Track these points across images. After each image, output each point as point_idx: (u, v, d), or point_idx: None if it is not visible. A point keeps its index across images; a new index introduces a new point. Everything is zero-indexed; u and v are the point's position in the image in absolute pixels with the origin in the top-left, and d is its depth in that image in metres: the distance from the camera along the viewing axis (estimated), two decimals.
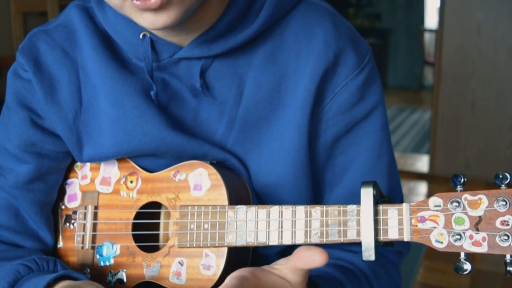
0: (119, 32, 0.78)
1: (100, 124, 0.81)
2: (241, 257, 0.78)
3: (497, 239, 0.61)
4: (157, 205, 0.83)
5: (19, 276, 0.75)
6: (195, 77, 0.78)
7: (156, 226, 0.86)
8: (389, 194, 0.86)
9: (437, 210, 0.65)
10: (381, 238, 0.67)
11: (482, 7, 3.67)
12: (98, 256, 0.82)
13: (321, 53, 0.78)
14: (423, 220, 0.65)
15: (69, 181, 0.88)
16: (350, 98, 0.80)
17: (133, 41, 0.78)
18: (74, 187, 0.87)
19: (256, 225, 0.72)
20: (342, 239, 0.69)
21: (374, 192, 0.68)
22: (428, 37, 7.13)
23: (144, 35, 0.77)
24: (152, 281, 0.78)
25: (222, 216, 0.73)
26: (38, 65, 0.80)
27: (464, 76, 3.79)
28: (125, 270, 0.81)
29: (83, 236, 0.85)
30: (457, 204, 0.63)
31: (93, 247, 0.84)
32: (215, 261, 0.75)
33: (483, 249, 0.62)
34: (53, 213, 0.88)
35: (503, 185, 0.62)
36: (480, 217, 0.62)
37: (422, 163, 4.38)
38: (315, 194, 0.85)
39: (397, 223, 0.67)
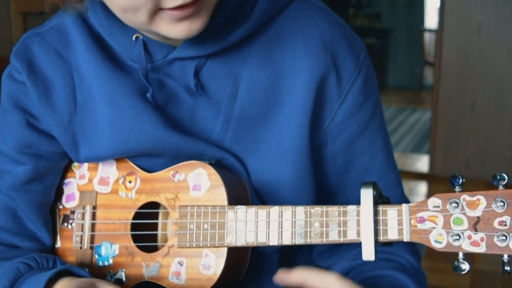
0: (112, 35, 0.78)
1: (97, 125, 0.81)
2: (240, 256, 0.78)
3: (495, 239, 0.62)
4: (156, 205, 0.83)
5: (20, 274, 0.76)
6: (190, 77, 0.78)
7: (155, 226, 0.85)
8: (398, 184, 0.88)
9: (436, 211, 0.65)
10: (381, 238, 0.67)
11: (482, 7, 3.67)
12: (96, 256, 0.82)
13: (318, 53, 0.78)
14: (422, 220, 0.66)
15: (66, 181, 0.88)
16: (356, 100, 0.80)
17: (126, 43, 0.78)
18: (72, 187, 0.87)
19: (256, 225, 0.72)
20: (342, 240, 0.69)
21: (374, 192, 0.68)
22: (428, 37, 7.13)
23: (136, 37, 0.76)
24: (152, 281, 0.78)
25: (222, 217, 0.74)
26: (32, 68, 0.80)
27: (464, 76, 3.79)
28: (124, 270, 0.81)
29: (82, 236, 0.85)
30: (455, 205, 0.64)
31: (91, 247, 0.84)
32: (215, 261, 0.75)
33: (481, 249, 0.62)
34: (51, 213, 0.88)
35: (500, 186, 0.62)
36: (478, 217, 0.63)
37: (422, 163, 4.38)
38: (320, 196, 0.85)
39: (397, 224, 0.67)
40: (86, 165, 0.87)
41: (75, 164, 0.88)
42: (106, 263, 0.82)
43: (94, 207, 0.85)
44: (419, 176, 4.13)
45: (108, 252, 0.82)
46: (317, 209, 0.71)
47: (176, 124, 0.80)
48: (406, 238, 0.66)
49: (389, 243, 0.70)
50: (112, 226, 0.83)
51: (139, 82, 0.79)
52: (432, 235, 0.65)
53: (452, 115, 3.88)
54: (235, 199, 0.76)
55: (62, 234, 0.87)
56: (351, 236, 0.69)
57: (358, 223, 0.68)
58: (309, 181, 0.82)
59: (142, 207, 0.82)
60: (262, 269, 0.86)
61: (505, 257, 0.62)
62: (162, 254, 0.78)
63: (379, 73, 7.18)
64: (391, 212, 0.67)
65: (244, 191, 0.80)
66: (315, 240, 0.70)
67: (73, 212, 0.86)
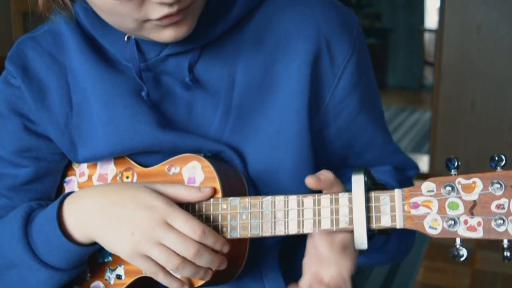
0: (105, 35, 0.78)
1: (93, 126, 0.81)
2: (238, 248, 0.77)
3: (493, 223, 0.59)
4: None
5: (33, 209, 0.80)
6: (184, 72, 0.78)
7: None
8: (398, 150, 0.90)
9: (430, 196, 0.63)
10: (374, 225, 0.66)
11: (482, 7, 3.68)
12: (96, 253, 0.82)
13: (311, 33, 0.77)
14: (416, 206, 0.64)
15: (67, 179, 0.88)
16: (352, 78, 0.80)
17: (119, 43, 0.78)
18: (73, 184, 0.87)
19: (249, 216, 0.72)
20: (334, 228, 0.68)
21: (366, 178, 0.67)
22: (428, 37, 7.14)
23: (128, 37, 0.77)
24: (150, 276, 0.77)
25: (216, 209, 0.73)
26: (27, 72, 0.80)
27: (464, 76, 3.79)
28: (123, 266, 0.80)
29: None
30: (450, 189, 0.62)
31: None
32: None
33: (479, 234, 0.60)
34: None
35: (499, 168, 0.60)
36: (474, 201, 0.61)
37: (422, 163, 4.37)
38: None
39: (390, 210, 0.65)
40: None
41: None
42: (105, 260, 0.82)
43: None
44: (419, 176, 4.07)
45: None
46: (309, 197, 0.70)
47: (172, 122, 0.80)
48: (399, 224, 0.64)
49: (384, 231, 0.69)
50: None
51: (134, 82, 0.79)
52: (426, 220, 0.63)
53: (452, 115, 3.88)
54: (230, 191, 0.76)
55: None
56: (343, 224, 0.68)
57: (351, 210, 0.67)
58: (308, 165, 0.80)
59: None
60: (261, 263, 0.85)
61: (505, 242, 0.60)
62: None
63: (379, 73, 7.19)
64: (383, 198, 0.66)
65: (240, 182, 0.79)
66: (307, 229, 0.69)
67: None
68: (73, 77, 0.81)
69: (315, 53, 0.77)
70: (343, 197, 0.68)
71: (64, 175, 0.88)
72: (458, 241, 0.62)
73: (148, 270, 0.72)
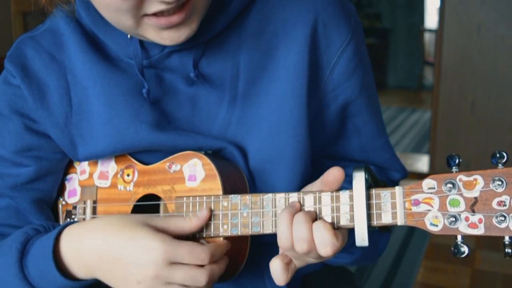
0: (107, 33, 0.78)
1: (93, 125, 0.81)
2: (238, 246, 0.77)
3: (494, 220, 0.59)
4: (154, 197, 0.83)
5: (29, 237, 0.78)
6: (189, 68, 0.78)
7: None
8: (389, 147, 0.90)
9: (431, 193, 0.63)
10: (375, 223, 0.66)
11: (482, 7, 3.67)
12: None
13: (310, 18, 0.77)
14: (417, 203, 0.63)
15: (68, 176, 0.89)
16: (350, 64, 0.80)
17: (121, 40, 0.78)
18: (74, 182, 0.88)
19: (250, 214, 0.71)
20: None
21: (366, 176, 0.66)
22: (428, 37, 7.13)
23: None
24: None
25: (217, 206, 0.73)
26: (26, 72, 0.80)
27: (464, 76, 3.78)
28: None
29: None
30: (451, 186, 0.61)
31: None
32: None
33: (480, 231, 0.60)
34: (54, 209, 0.89)
35: (500, 165, 0.60)
36: (476, 198, 0.61)
37: (422, 163, 4.36)
38: (313, 156, 0.85)
39: (390, 207, 0.65)
40: None
41: None
42: None
43: (95, 202, 0.85)
44: (419, 176, 4.11)
45: None
46: (310, 195, 0.69)
47: (174, 119, 0.80)
48: (400, 221, 0.64)
49: (384, 228, 0.68)
50: None
51: (135, 80, 0.79)
52: (427, 218, 0.63)
53: (452, 115, 3.87)
54: (230, 188, 0.76)
55: None
56: (344, 222, 0.68)
57: (351, 208, 0.67)
58: (307, 152, 0.81)
59: (141, 199, 0.82)
60: (263, 261, 0.85)
61: (506, 238, 0.59)
62: None
63: (379, 73, 7.18)
64: (384, 196, 0.65)
65: (241, 179, 0.79)
66: None
67: (75, 207, 0.87)
68: (72, 76, 0.81)
69: (313, 37, 0.77)
70: (343, 194, 0.68)
71: (66, 172, 0.89)
72: (459, 238, 0.62)
73: None
